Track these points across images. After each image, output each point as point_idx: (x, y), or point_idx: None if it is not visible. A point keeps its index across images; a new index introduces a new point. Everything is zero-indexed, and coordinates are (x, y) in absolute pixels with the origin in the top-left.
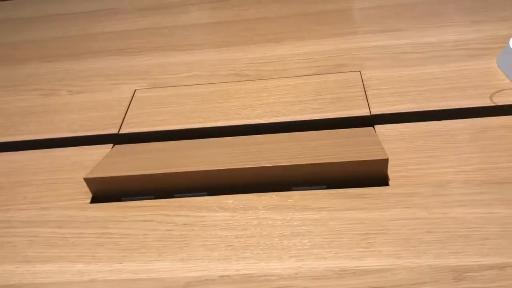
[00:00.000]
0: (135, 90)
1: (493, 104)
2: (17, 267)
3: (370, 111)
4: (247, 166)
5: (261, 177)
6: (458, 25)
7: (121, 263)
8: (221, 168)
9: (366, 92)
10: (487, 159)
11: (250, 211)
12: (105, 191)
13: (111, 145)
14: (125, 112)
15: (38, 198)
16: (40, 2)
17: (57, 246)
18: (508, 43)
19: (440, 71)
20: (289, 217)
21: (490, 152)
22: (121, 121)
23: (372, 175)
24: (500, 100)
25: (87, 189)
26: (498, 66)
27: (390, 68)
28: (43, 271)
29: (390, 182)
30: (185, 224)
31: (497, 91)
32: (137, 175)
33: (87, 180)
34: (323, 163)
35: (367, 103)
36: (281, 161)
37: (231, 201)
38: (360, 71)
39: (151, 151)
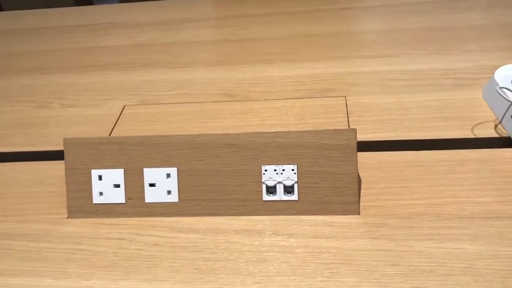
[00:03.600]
0: (124, 106)
1: (473, 137)
2: None
3: None
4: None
5: (232, 145)
6: (449, 53)
7: (89, 280)
8: (191, 134)
9: (349, 119)
10: (460, 192)
11: (220, 234)
12: (79, 156)
13: None
14: (112, 128)
15: (17, 210)
16: (40, 14)
17: (30, 260)
18: (493, 75)
19: (425, 100)
20: (257, 243)
21: (465, 186)
22: (103, 136)
23: (341, 145)
24: (481, 133)
25: (66, 204)
26: (483, 98)
27: (376, 95)
28: (13, 284)
29: (361, 211)
30: (155, 244)
31: (479, 123)
32: (111, 138)
33: (65, 141)
34: (293, 131)
35: (344, 128)
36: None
37: (202, 223)
38: (345, 97)
39: None
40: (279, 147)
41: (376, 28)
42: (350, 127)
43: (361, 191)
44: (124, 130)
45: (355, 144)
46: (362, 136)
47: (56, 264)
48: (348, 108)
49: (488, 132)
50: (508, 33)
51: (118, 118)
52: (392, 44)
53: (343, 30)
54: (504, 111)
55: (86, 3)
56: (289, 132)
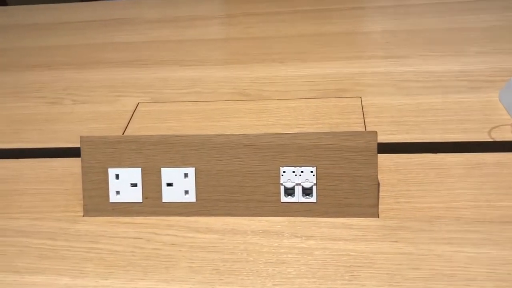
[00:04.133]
0: (138, 104)
1: (491, 140)
2: (5, 277)
3: None
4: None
5: (251, 146)
6: (463, 55)
7: (106, 280)
8: (209, 133)
9: (365, 120)
10: (480, 196)
11: (238, 235)
12: (96, 155)
13: None
14: (126, 125)
15: (32, 208)
16: (52, 8)
17: (47, 258)
18: (511, 77)
19: (441, 102)
20: (276, 244)
21: (483, 189)
22: (121, 135)
23: (361, 147)
24: (498, 136)
25: (81, 202)
26: (500, 101)
27: (391, 96)
28: (30, 282)
29: (380, 214)
30: (173, 244)
31: (496, 126)
32: (128, 137)
33: (82, 139)
34: (312, 132)
35: (364, 131)
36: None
37: (220, 224)
38: (360, 97)
39: None
40: (298, 149)
41: (388, 28)
42: (367, 129)
43: (380, 194)
44: (138, 127)
45: (375, 147)
46: (378, 138)
47: (73, 263)
48: (363, 109)
49: (506, 135)
50: None
51: (131, 116)
52: (405, 45)
53: (355, 30)
54: None
55: None
56: (308, 133)
